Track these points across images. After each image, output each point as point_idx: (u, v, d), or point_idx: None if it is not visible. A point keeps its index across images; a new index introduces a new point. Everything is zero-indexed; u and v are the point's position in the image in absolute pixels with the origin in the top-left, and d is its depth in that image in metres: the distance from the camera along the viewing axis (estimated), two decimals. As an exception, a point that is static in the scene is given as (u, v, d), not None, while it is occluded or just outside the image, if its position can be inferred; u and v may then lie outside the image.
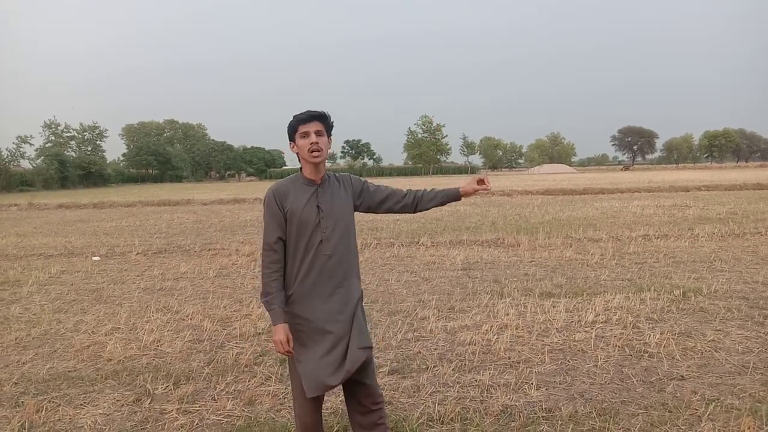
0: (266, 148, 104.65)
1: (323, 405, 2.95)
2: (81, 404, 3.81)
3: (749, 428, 3.19)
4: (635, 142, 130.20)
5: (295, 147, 2.62)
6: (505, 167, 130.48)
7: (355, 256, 2.73)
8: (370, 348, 2.66)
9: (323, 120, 2.59)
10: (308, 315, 2.58)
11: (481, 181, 2.84)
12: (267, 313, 2.63)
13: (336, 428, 3.34)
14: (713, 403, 3.54)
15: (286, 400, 3.81)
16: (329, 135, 2.65)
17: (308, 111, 2.58)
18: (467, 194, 2.84)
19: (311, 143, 2.55)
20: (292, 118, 2.59)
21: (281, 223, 2.59)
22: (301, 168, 2.69)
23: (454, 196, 2.85)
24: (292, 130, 2.60)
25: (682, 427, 3.27)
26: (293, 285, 2.60)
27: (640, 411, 3.50)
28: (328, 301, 2.59)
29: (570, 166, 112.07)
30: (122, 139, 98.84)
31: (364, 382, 2.68)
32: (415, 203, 2.85)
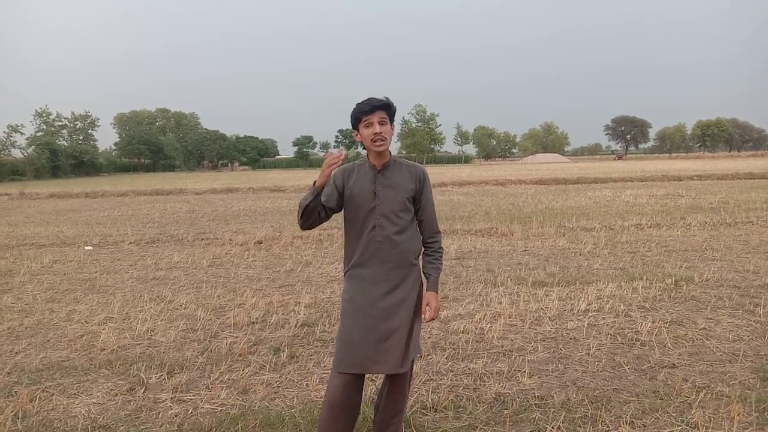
0: (260, 137, 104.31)
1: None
2: (75, 393, 3.81)
3: (739, 415, 3.22)
4: (628, 132, 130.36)
5: (359, 135, 2.64)
6: (499, 156, 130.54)
7: (413, 250, 2.72)
8: (405, 367, 2.66)
9: (386, 108, 2.60)
10: (356, 296, 2.65)
11: (427, 306, 2.78)
12: (307, 199, 2.58)
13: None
14: (704, 391, 3.58)
15: (280, 389, 3.82)
16: (392, 122, 2.66)
17: (371, 100, 2.58)
18: (425, 298, 2.79)
19: (375, 133, 2.57)
20: (354, 108, 2.60)
21: (332, 194, 2.66)
22: (367, 154, 2.72)
23: (426, 286, 2.82)
24: (356, 120, 2.61)
25: (673, 414, 3.30)
26: (349, 263, 2.72)
27: (632, 398, 3.53)
28: (376, 286, 2.64)
29: (563, 155, 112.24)
30: (114, 128, 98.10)
31: (402, 375, 2.74)
32: (425, 249, 2.84)
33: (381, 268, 2.63)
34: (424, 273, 2.83)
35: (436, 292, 2.80)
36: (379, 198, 2.62)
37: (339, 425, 2.70)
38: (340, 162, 2.45)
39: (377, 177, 2.65)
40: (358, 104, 2.60)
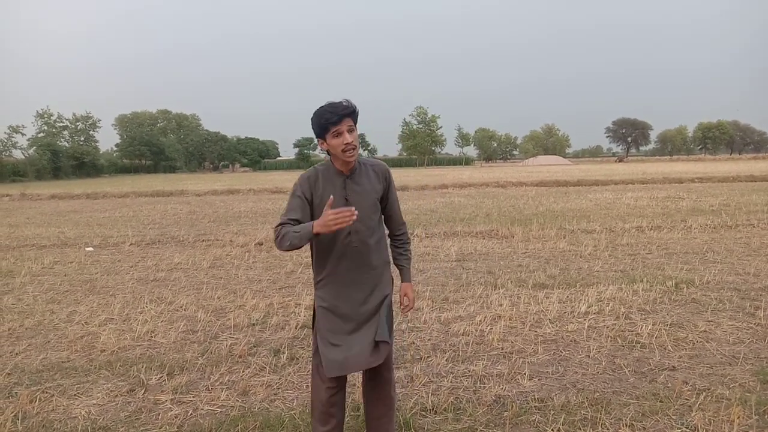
0: (260, 139, 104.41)
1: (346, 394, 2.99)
2: (75, 395, 3.81)
3: (738, 418, 3.22)
4: (630, 134, 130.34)
5: (326, 145, 2.55)
6: (500, 158, 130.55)
7: (384, 247, 2.75)
8: (388, 344, 2.67)
9: (352, 115, 2.53)
10: (337, 302, 2.63)
11: (405, 297, 2.88)
12: (301, 237, 2.42)
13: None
14: (704, 393, 3.58)
15: (279, 390, 3.82)
16: (356, 124, 2.59)
17: (336, 109, 2.47)
18: (402, 290, 2.89)
19: (346, 143, 2.49)
20: (319, 117, 2.49)
21: (304, 207, 2.58)
22: (331, 158, 2.65)
23: (401, 277, 2.91)
24: (323, 130, 2.51)
25: (673, 417, 3.30)
26: (322, 273, 2.67)
27: (632, 401, 3.53)
28: (357, 290, 2.63)
29: (564, 157, 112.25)
30: (115, 129, 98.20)
31: (381, 372, 2.73)
32: (393, 242, 2.91)
33: (359, 271, 2.63)
34: (396, 265, 2.89)
35: (411, 282, 2.91)
36: (351, 204, 2.57)
37: (332, 423, 2.75)
38: (351, 222, 2.34)
39: (347, 183, 2.61)
40: (321, 113, 2.49)
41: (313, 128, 2.55)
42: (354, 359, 2.59)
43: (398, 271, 2.91)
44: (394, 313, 2.89)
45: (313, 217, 2.59)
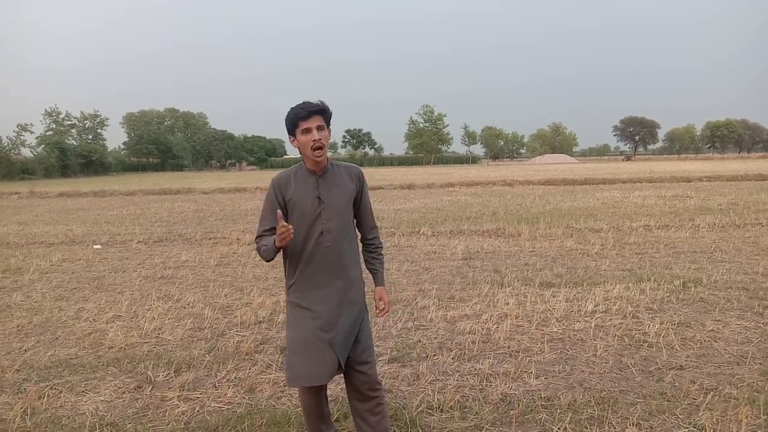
0: (267, 137, 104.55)
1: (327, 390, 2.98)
2: (82, 391, 3.84)
3: (746, 417, 3.20)
4: (637, 133, 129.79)
5: (296, 142, 2.57)
6: (507, 157, 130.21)
7: (356, 251, 2.73)
8: (367, 364, 2.70)
9: (322, 113, 2.55)
10: (308, 305, 2.59)
11: (380, 301, 2.82)
12: (263, 251, 2.62)
13: (336, 415, 3.36)
14: (711, 393, 3.56)
15: (286, 388, 3.82)
16: (329, 126, 2.60)
17: (307, 105, 2.52)
18: (376, 293, 2.84)
19: (314, 140, 2.51)
20: (290, 112, 2.53)
21: (277, 212, 2.56)
22: (303, 159, 2.66)
23: (374, 281, 2.88)
24: (293, 126, 2.54)
25: (680, 416, 3.28)
26: (295, 274, 2.63)
27: (639, 400, 3.51)
28: (328, 293, 2.60)
29: (571, 156, 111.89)
30: (123, 127, 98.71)
31: (362, 371, 2.69)
32: (366, 247, 2.90)
33: (333, 273, 2.60)
34: (369, 269, 2.86)
35: (384, 286, 2.86)
36: (324, 203, 2.58)
37: (322, 421, 2.86)
38: (291, 234, 2.41)
39: (319, 182, 2.61)
40: (293, 109, 2.53)
41: (286, 126, 2.58)
42: (330, 366, 2.57)
43: (371, 275, 2.87)
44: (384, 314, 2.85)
45: (287, 219, 2.59)
